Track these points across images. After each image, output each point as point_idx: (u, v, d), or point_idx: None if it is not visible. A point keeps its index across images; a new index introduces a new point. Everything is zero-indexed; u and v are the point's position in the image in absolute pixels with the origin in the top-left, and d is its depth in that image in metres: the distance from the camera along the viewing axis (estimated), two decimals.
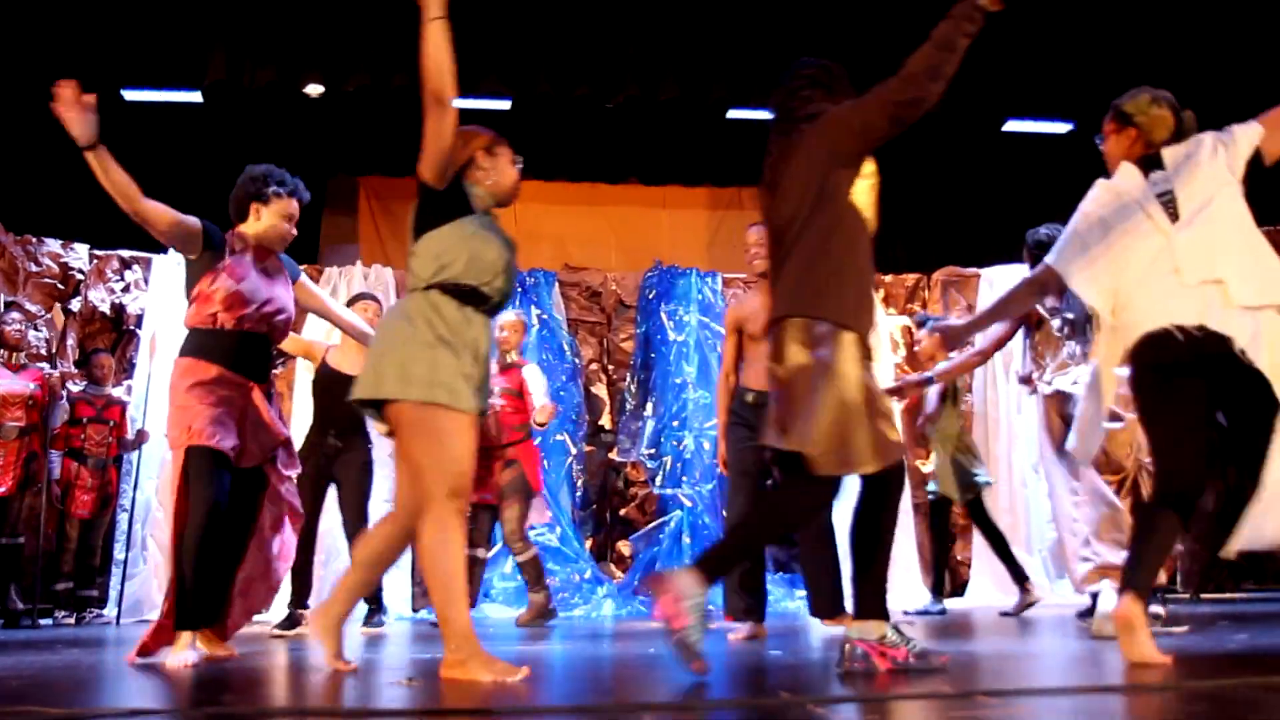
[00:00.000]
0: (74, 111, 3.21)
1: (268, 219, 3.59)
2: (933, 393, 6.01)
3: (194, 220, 3.48)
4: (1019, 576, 5.75)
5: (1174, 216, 2.87)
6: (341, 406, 4.90)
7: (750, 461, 4.31)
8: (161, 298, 7.01)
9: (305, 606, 5.27)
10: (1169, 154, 2.97)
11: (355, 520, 5.27)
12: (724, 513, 5.04)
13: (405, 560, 6.91)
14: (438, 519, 2.69)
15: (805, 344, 2.60)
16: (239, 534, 3.61)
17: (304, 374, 6.15)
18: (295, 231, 3.69)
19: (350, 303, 5.74)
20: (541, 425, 5.73)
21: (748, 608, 4.30)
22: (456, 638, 2.67)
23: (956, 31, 2.56)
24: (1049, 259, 3.09)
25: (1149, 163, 2.99)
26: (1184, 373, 2.77)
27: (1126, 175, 3.02)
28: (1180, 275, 2.79)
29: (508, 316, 6.02)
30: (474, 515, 5.55)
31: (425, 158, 2.81)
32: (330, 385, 5.20)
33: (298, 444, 4.18)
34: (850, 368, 2.58)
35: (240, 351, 3.49)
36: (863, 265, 2.71)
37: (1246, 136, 2.91)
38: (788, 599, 6.86)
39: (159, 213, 3.40)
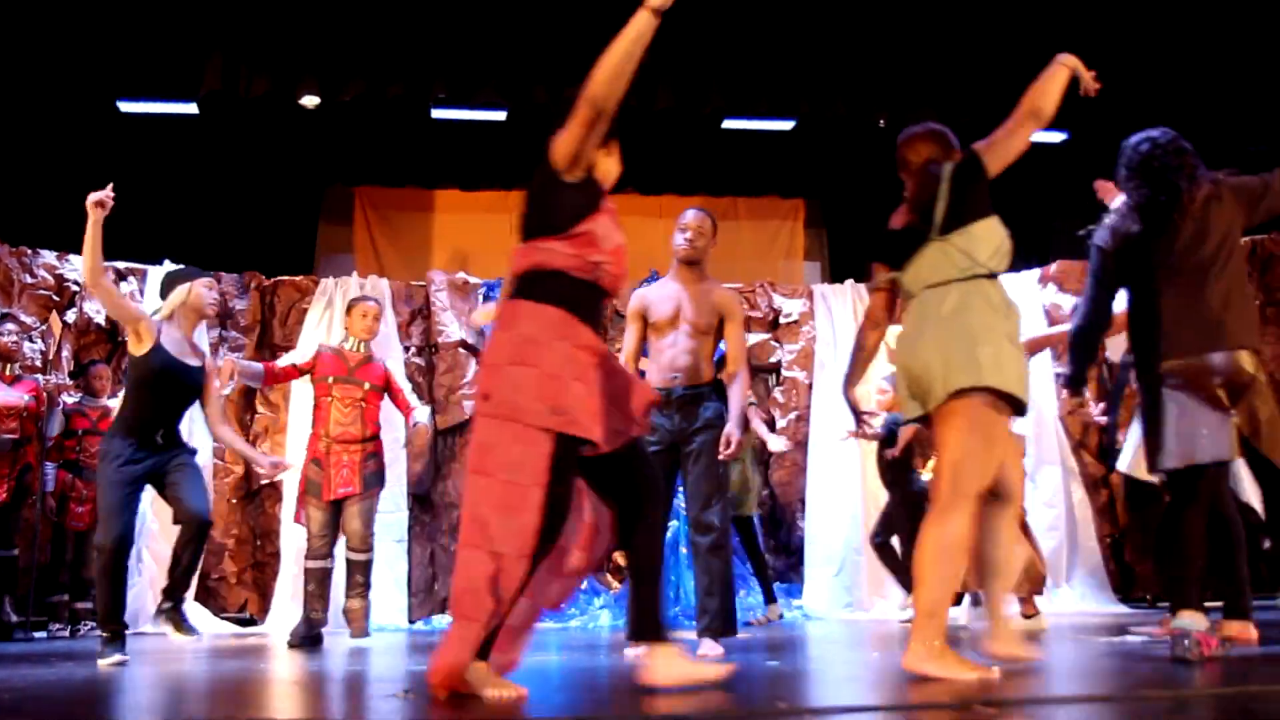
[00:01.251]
0: None
1: (615, 161, 2.92)
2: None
3: None
4: (770, 596, 6.48)
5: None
6: (178, 399, 4.44)
7: (664, 465, 4.10)
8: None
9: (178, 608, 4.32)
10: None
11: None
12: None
13: (401, 572, 6.89)
14: (956, 516, 2.67)
15: (1258, 369, 3.21)
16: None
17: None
18: None
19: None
20: (420, 447, 6.28)
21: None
22: (1002, 624, 3.01)
23: None
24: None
25: None
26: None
27: None
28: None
29: (370, 304, 5.55)
30: (339, 511, 5.23)
31: (999, 151, 2.92)
32: (169, 371, 4.32)
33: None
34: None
35: (601, 319, 2.82)
36: None
37: None
38: (785, 609, 6.83)
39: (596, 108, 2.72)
